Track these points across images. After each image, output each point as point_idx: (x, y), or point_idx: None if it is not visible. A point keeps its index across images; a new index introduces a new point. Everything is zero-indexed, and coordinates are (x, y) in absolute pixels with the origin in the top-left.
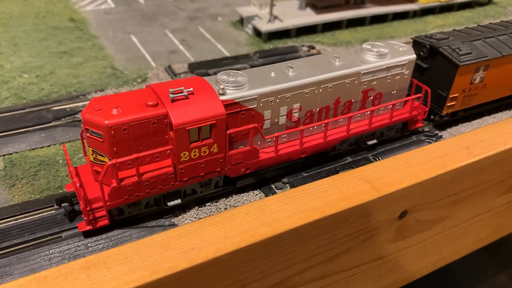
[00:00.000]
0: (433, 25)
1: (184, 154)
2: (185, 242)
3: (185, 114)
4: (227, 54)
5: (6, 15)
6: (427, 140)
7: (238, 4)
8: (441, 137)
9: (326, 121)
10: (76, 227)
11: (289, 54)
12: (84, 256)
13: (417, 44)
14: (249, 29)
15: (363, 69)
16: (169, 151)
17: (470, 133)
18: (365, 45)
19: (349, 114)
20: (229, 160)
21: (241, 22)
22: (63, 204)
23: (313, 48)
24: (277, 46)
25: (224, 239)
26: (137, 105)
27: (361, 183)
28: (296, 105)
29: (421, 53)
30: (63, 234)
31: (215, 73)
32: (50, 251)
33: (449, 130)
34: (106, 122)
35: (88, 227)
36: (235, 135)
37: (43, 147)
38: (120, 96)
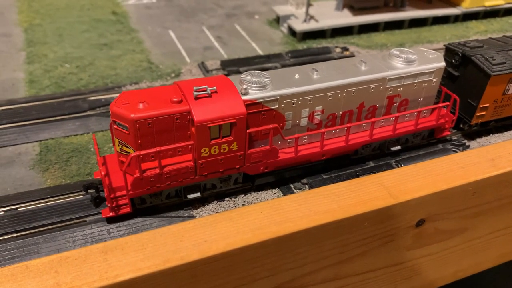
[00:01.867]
0: (475, 31)
1: (205, 150)
2: (198, 234)
3: (207, 112)
4: (260, 52)
5: (53, 7)
6: (453, 149)
7: (276, 3)
8: (468, 147)
9: (348, 125)
10: (100, 213)
11: (322, 55)
12: (105, 240)
13: (449, 51)
14: (284, 28)
15: (389, 75)
16: (190, 146)
17: (497, 145)
18: (393, 51)
19: (372, 119)
20: (248, 158)
21: (277, 21)
22: (89, 191)
23: (347, 49)
24: (311, 46)
25: (236, 234)
26: (162, 100)
27: (378, 188)
28: (319, 108)
29: (453, 61)
30: (88, 219)
31: (246, 71)
32: (75, 233)
33: (478, 140)
34: (132, 115)
35: (111, 214)
36: (255, 134)
37: (77, 135)
38: (148, 91)
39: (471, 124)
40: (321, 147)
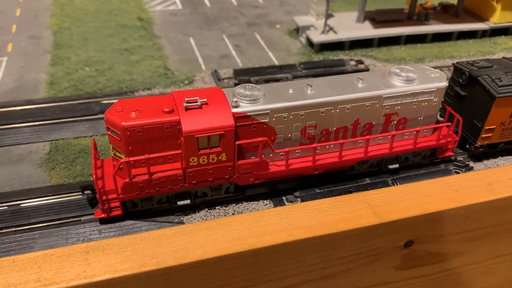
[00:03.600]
0: (502, 47)
1: (193, 159)
2: (177, 241)
3: (196, 123)
4: (275, 62)
5: (83, 11)
6: (455, 170)
7: (299, 13)
8: (471, 168)
9: (341, 141)
10: (94, 214)
11: (335, 67)
12: (96, 239)
13: (457, 70)
14: (303, 39)
15: (385, 93)
16: (179, 155)
17: (499, 169)
18: (393, 69)
19: (367, 137)
20: (238, 169)
21: (298, 31)
22: (86, 191)
23: (362, 62)
24: (327, 57)
25: (214, 244)
26: (154, 110)
27: (363, 207)
28: (311, 123)
29: (460, 80)
30: (82, 218)
31: (257, 81)
32: (68, 232)
33: (485, 162)
34: (123, 123)
35: (103, 215)
36: (246, 146)
37: (86, 136)
38: (144, 100)
39: (476, 145)
40: (313, 162)
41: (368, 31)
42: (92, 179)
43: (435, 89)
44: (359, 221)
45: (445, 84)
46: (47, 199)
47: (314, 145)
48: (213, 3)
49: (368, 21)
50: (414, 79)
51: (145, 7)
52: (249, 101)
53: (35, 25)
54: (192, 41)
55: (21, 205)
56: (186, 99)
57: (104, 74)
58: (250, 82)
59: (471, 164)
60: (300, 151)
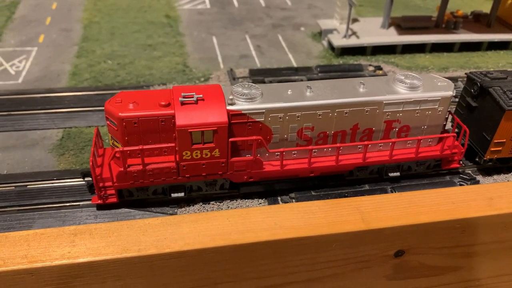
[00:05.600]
0: None
1: (186, 153)
2: (161, 231)
3: (190, 117)
4: (294, 64)
5: (114, 7)
6: (460, 182)
7: (327, 17)
8: (478, 182)
9: (338, 145)
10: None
11: (352, 72)
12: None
13: (469, 80)
14: (325, 42)
15: (386, 99)
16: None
17: (503, 184)
18: (398, 75)
19: (365, 142)
20: (232, 166)
21: (321, 34)
22: (86, 178)
23: (380, 69)
24: (347, 62)
25: (196, 237)
26: (152, 103)
27: (352, 212)
28: (308, 125)
29: (472, 91)
30: (81, 203)
31: (270, 82)
32: (66, 215)
33: (495, 177)
34: (120, 114)
35: (99, 201)
36: (241, 143)
37: (97, 126)
38: (144, 93)
39: (485, 159)
40: (309, 164)
41: (391, 37)
42: None
43: (439, 98)
44: (345, 226)
45: (450, 93)
46: (52, 183)
47: (310, 147)
48: (242, 3)
49: (394, 27)
50: (418, 86)
51: (174, 5)
52: (245, 100)
53: (68, 18)
54: (214, 40)
55: (28, 186)
56: (182, 94)
57: (125, 68)
58: (264, 82)
59: (479, 178)
60: (297, 152)
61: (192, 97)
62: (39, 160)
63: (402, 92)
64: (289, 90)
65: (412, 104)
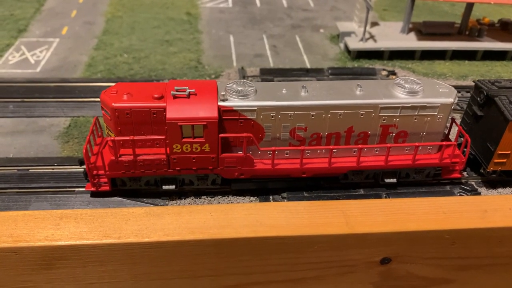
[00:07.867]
0: None
1: (176, 146)
2: (143, 221)
3: (180, 111)
4: (308, 65)
5: (138, 2)
6: (460, 193)
7: (348, 19)
8: (479, 194)
9: (330, 147)
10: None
11: (364, 76)
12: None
13: (477, 89)
14: (342, 45)
15: (382, 103)
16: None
17: (500, 197)
18: (398, 80)
19: (359, 146)
20: (222, 162)
21: (339, 36)
22: (83, 165)
23: (394, 74)
24: (362, 65)
25: (176, 228)
26: (146, 95)
27: (337, 215)
28: (301, 125)
29: (479, 99)
30: (76, 189)
31: (280, 81)
32: (61, 199)
33: (500, 190)
34: (113, 104)
35: (92, 188)
36: (233, 140)
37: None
38: (141, 85)
39: (488, 170)
40: (301, 164)
41: (410, 42)
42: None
43: (439, 105)
44: (328, 228)
45: (451, 100)
46: (53, 168)
47: (302, 147)
48: (264, 3)
49: (414, 32)
50: (417, 91)
51: (197, 3)
52: (238, 96)
53: (93, 12)
54: (231, 38)
55: (30, 170)
56: (175, 87)
57: (139, 62)
58: (273, 81)
59: (482, 190)
60: (289, 152)
61: (185, 91)
62: (45, 146)
63: (400, 97)
64: (284, 89)
65: (409, 109)
